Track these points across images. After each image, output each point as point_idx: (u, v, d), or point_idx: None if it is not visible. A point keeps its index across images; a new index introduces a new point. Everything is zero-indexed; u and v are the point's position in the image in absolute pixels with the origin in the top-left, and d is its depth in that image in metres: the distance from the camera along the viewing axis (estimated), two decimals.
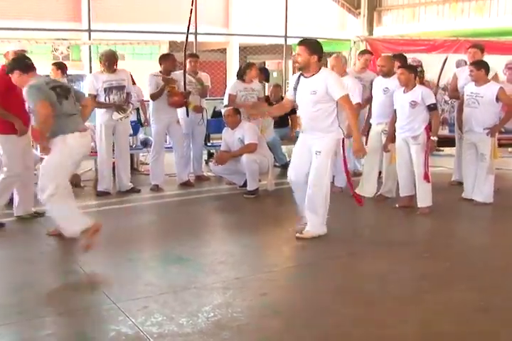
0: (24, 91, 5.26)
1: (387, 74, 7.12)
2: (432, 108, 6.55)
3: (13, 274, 4.84)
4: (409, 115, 6.57)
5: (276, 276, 4.83)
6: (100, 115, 7.36)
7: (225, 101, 8.18)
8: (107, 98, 7.27)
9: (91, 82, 7.40)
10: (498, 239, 5.86)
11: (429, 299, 4.22)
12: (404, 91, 6.66)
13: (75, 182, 8.16)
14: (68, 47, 19.25)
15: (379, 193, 7.32)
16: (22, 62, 5.47)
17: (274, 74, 23.26)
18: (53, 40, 13.29)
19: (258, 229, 6.07)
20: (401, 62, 7.22)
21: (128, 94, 7.46)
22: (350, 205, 6.29)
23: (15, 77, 5.39)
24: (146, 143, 8.75)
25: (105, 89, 7.26)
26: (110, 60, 7.33)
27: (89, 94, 7.32)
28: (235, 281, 4.57)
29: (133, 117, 8.57)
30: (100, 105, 7.23)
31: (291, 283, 4.75)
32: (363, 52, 8.68)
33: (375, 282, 4.60)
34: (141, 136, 9.10)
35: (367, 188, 7.37)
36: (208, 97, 8.87)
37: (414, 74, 6.65)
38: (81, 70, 16.90)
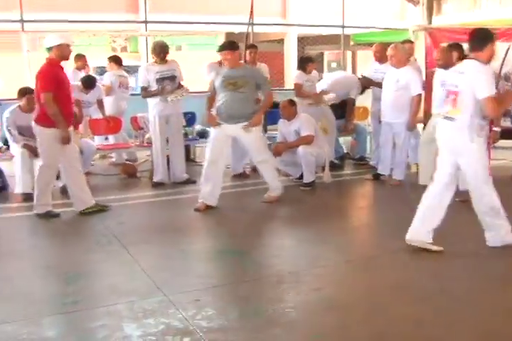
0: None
1: (445, 66, 6.85)
2: None
3: (68, 264, 4.86)
4: None
5: (331, 271, 4.72)
6: (153, 106, 7.39)
7: None
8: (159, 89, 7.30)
9: (143, 74, 7.44)
10: None
11: (485, 299, 4.03)
12: None
13: (131, 172, 8.25)
14: (126, 39, 19.41)
15: None
16: None
17: (333, 65, 23.05)
18: (112, 32, 13.37)
19: (314, 222, 5.97)
20: (458, 52, 7.00)
21: (179, 83, 7.46)
22: (411, 197, 6.07)
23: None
24: (203, 134, 8.69)
25: (157, 80, 7.29)
26: (162, 51, 7.34)
27: (142, 86, 7.38)
28: (288, 275, 4.49)
29: (187, 109, 8.54)
30: (150, 93, 7.29)
31: (346, 278, 4.63)
32: (403, 42, 8.51)
33: (432, 279, 4.45)
34: (197, 127, 9.07)
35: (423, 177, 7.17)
36: None
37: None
38: (139, 61, 17.04)
